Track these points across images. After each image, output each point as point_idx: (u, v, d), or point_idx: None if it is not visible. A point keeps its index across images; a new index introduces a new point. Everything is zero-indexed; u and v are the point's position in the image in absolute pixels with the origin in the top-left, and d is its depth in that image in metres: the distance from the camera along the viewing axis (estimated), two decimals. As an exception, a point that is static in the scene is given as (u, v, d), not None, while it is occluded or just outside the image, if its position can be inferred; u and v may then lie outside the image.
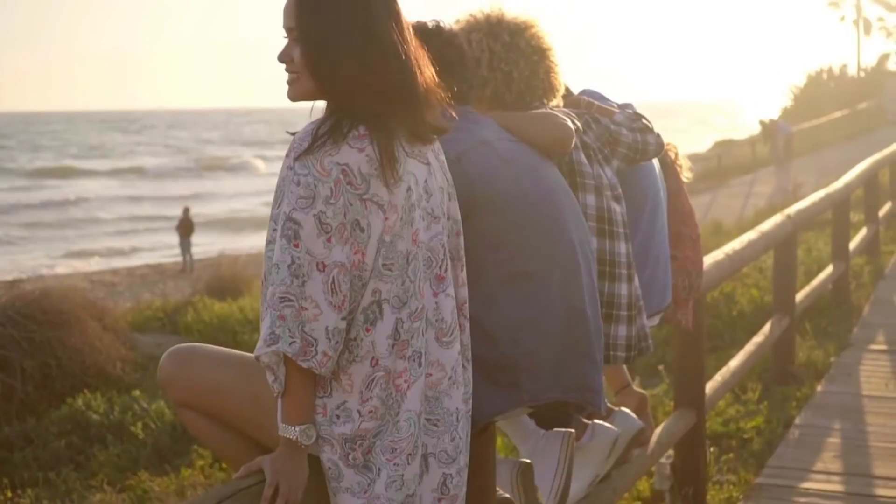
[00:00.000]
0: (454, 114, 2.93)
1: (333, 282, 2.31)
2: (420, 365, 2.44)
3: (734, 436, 5.97)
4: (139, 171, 65.91)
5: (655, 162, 3.92)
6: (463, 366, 2.64)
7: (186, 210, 27.97)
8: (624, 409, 4.00)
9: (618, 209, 3.40)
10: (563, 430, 3.46)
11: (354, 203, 2.34)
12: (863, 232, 10.97)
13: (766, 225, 6.55)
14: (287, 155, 2.35)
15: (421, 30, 2.88)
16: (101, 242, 36.08)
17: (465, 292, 2.65)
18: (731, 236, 15.72)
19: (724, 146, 48.19)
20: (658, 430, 4.66)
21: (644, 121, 3.63)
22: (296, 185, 2.32)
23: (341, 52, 2.37)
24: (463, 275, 2.65)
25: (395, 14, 2.44)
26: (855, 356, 7.61)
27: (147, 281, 25.53)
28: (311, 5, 2.39)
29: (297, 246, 2.30)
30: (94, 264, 30.85)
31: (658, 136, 3.65)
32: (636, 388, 4.41)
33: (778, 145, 35.49)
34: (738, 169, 35.88)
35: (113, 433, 8.13)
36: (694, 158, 41.73)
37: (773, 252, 7.21)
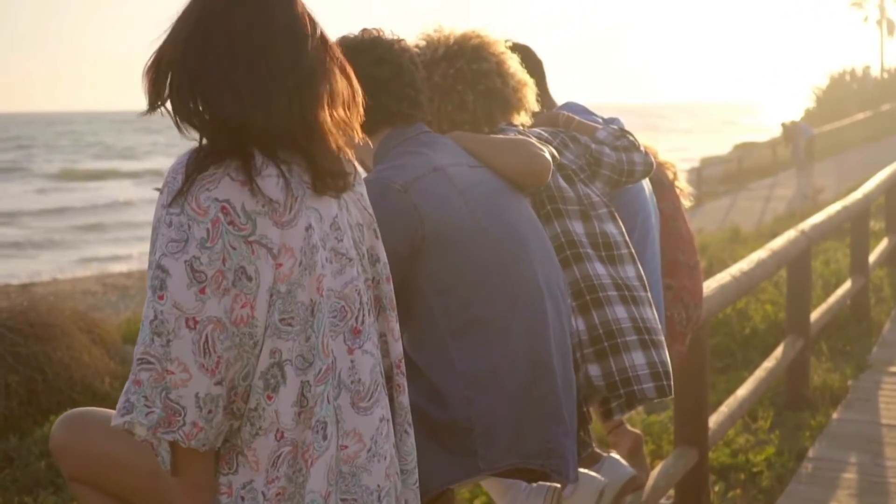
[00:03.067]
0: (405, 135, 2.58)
1: (206, 341, 1.93)
2: (325, 437, 2.04)
3: (742, 468, 5.56)
4: (160, 173, 65.79)
5: (646, 184, 3.55)
6: (405, 431, 2.26)
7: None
8: (613, 454, 3.61)
9: (614, 230, 3.02)
10: (548, 484, 3.07)
11: (238, 246, 1.95)
12: (884, 243, 10.51)
13: (778, 241, 6.14)
14: (161, 191, 1.98)
15: (350, 48, 2.53)
16: (119, 245, 35.87)
17: (400, 347, 2.26)
18: (747, 243, 15.33)
19: (744, 148, 47.69)
20: (655, 472, 4.28)
21: (630, 138, 3.24)
22: (167, 227, 1.95)
23: (178, 69, 2.01)
24: (397, 326, 2.26)
25: (267, 40, 2.01)
26: (874, 379, 7.17)
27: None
28: (184, 10, 2.03)
29: (161, 298, 1.92)
30: (111, 267, 30.65)
31: (646, 154, 3.26)
32: (630, 427, 4.04)
33: (799, 148, 34.92)
34: (758, 171, 35.45)
35: (95, 454, 7.79)
36: (714, 161, 41.60)
37: (786, 269, 6.80)
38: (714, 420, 4.91)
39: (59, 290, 20.67)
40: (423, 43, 2.94)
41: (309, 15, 2.08)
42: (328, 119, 2.06)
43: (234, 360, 1.97)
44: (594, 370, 2.88)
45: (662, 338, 2.98)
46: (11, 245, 35.87)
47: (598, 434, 5.10)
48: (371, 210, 2.25)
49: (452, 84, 2.88)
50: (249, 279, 1.96)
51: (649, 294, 3.04)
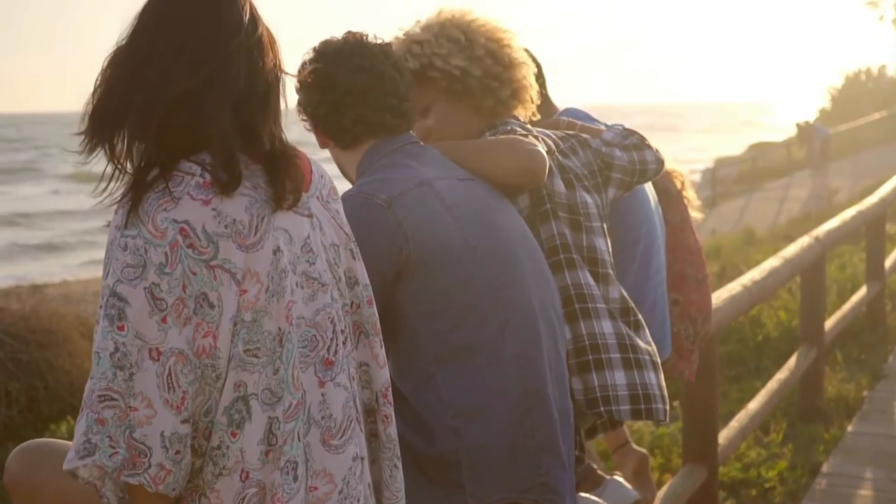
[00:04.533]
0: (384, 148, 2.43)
1: (170, 374, 1.78)
2: (296, 479, 1.88)
3: (754, 484, 5.39)
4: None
5: (651, 194, 3.38)
6: (395, 465, 2.11)
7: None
8: (617, 477, 3.44)
9: (602, 247, 2.84)
10: None
11: (199, 271, 1.79)
12: (900, 247, 10.32)
13: (791, 249, 5.96)
14: (116, 211, 1.84)
15: (328, 56, 2.39)
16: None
17: (386, 375, 2.10)
18: (761, 246, 15.13)
19: (759, 149, 47.45)
20: (662, 493, 4.12)
21: (637, 135, 3.08)
22: (122, 251, 1.79)
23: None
24: (382, 352, 2.10)
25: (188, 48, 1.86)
26: (890, 389, 6.97)
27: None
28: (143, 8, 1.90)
29: (122, 329, 1.77)
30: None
31: (656, 151, 3.09)
32: (636, 446, 3.88)
33: (814, 148, 34.74)
34: (773, 172, 35.22)
35: (95, 464, 7.65)
36: (729, 161, 41.36)
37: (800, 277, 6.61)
38: (724, 436, 4.74)
39: (70, 292, 20.58)
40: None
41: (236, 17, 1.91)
42: (271, 129, 1.93)
43: (195, 394, 1.82)
44: (576, 383, 2.70)
45: (650, 358, 2.79)
46: (24, 246, 35.86)
47: (600, 449, 4.94)
48: (348, 229, 2.10)
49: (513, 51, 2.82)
50: (212, 307, 1.81)
51: (640, 317, 2.87)
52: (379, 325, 2.11)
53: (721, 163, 40.83)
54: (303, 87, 2.48)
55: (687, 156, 57.14)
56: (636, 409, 2.71)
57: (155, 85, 1.83)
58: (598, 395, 2.68)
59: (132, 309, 1.77)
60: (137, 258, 1.78)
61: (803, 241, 6.23)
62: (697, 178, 37.06)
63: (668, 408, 2.85)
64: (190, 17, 1.86)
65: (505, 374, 2.36)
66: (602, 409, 2.70)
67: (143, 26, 1.87)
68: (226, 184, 1.83)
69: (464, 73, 2.74)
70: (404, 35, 2.78)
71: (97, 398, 1.78)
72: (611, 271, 2.83)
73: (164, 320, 1.77)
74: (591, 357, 2.66)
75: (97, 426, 1.78)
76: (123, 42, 1.87)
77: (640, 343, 2.75)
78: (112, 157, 1.87)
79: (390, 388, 2.11)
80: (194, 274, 1.79)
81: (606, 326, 2.67)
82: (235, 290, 1.82)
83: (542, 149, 2.63)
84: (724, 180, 33.74)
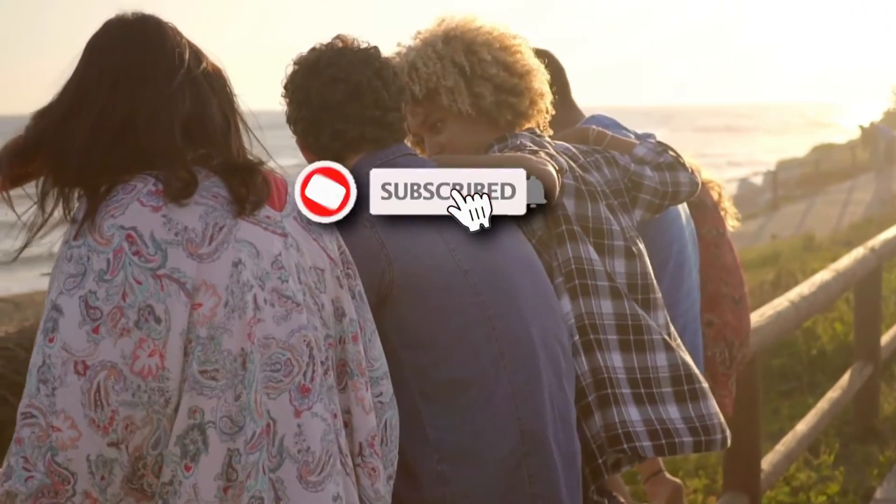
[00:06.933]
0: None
1: (98, 390, 1.62)
2: None
3: (803, 509, 5.12)
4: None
5: (682, 208, 3.13)
6: None
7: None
8: (645, 511, 3.21)
9: (621, 269, 2.59)
10: None
11: (144, 281, 1.65)
12: (964, 255, 9.91)
13: (844, 261, 5.67)
14: (69, 227, 1.74)
15: (306, 68, 2.23)
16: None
17: (373, 421, 1.90)
18: (820, 252, 14.74)
19: (822, 151, 46.72)
20: (698, 524, 3.87)
21: (672, 153, 2.82)
22: (67, 262, 1.68)
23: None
24: (369, 395, 1.91)
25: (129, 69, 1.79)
26: (950, 408, 6.65)
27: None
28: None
29: (52, 341, 1.63)
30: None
31: (691, 172, 2.84)
32: (669, 475, 3.63)
33: (878, 150, 34.10)
34: (836, 175, 34.62)
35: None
36: (791, 164, 40.76)
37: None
38: (768, 461, 4.48)
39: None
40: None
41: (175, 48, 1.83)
42: (231, 151, 1.82)
43: (141, 422, 1.65)
44: (597, 419, 2.45)
45: (669, 390, 2.54)
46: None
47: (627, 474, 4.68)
48: (334, 253, 1.92)
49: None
50: (158, 321, 1.66)
51: (666, 337, 2.61)
52: (365, 364, 1.92)
53: (783, 165, 40.26)
54: (286, 101, 2.30)
55: (760, 157, 56.82)
56: (658, 444, 2.47)
57: (93, 121, 1.76)
58: (620, 431, 2.44)
59: (65, 319, 1.64)
60: (79, 267, 1.67)
61: (857, 253, 5.93)
62: (759, 180, 36.53)
63: (708, 438, 2.59)
64: (120, 52, 1.81)
65: (498, 414, 2.14)
66: (626, 445, 2.45)
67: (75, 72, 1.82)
68: (178, 190, 1.72)
69: (474, 103, 2.56)
70: (405, 51, 2.59)
71: (20, 416, 1.65)
72: (634, 294, 2.58)
73: (95, 331, 1.64)
74: (606, 392, 2.42)
75: (15, 446, 1.65)
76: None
77: (660, 375, 2.50)
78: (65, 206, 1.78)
79: (377, 438, 1.91)
80: (139, 283, 1.66)
81: (616, 360, 2.42)
82: (185, 301, 1.67)
83: (551, 168, 2.40)
84: (786, 183, 33.23)
